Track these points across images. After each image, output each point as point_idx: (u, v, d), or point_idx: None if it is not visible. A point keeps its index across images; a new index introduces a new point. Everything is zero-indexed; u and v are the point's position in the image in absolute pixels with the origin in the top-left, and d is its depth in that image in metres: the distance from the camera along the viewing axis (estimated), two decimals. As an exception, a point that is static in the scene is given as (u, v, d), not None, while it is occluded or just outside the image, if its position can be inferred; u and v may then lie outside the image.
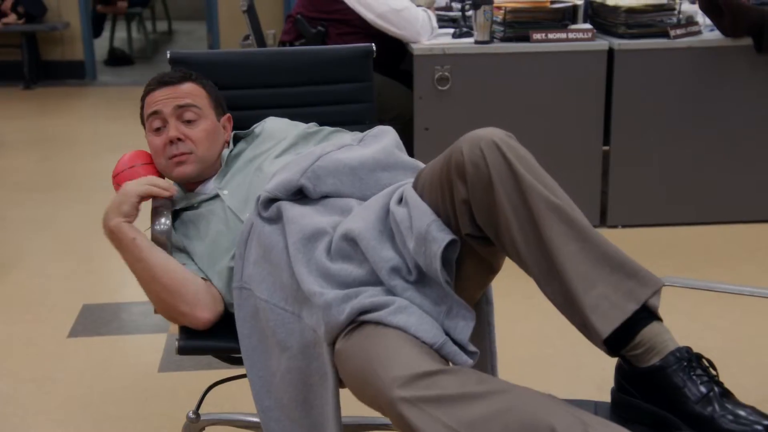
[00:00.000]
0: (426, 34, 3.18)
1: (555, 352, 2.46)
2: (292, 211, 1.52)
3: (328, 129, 1.88)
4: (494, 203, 1.32)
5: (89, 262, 3.18)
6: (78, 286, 2.97)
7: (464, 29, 3.29)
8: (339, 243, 1.45)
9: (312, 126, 1.89)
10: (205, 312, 1.60)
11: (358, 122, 2.00)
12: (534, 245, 1.30)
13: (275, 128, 1.85)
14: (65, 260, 3.21)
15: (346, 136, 1.80)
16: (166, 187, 1.67)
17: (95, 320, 2.71)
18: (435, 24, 3.24)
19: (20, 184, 4.10)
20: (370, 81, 2.03)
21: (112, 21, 7.68)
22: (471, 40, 3.23)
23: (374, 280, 1.41)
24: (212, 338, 1.62)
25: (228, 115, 1.86)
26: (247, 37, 3.63)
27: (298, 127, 1.86)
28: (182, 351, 1.61)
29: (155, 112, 1.75)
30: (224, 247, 1.65)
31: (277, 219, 1.54)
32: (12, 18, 6.13)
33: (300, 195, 1.57)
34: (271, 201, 1.56)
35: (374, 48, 2.03)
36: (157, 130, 1.76)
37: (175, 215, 1.76)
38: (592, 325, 1.26)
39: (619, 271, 1.27)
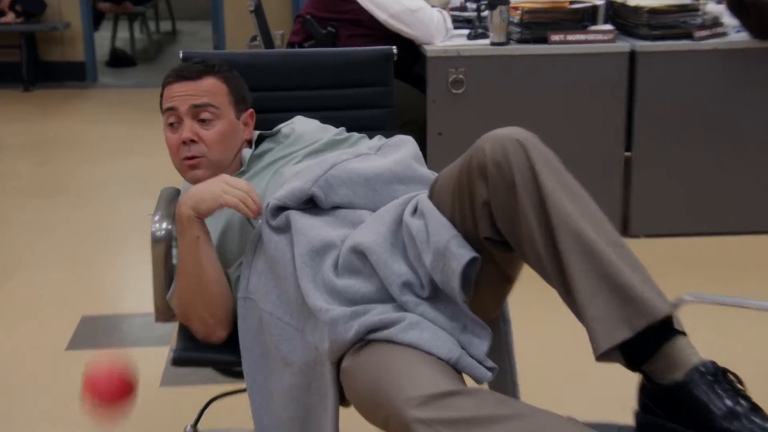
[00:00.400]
0: (440, 35, 3.18)
1: (576, 368, 2.44)
2: (301, 221, 1.52)
3: (356, 136, 1.88)
4: (516, 206, 1.32)
5: (89, 271, 3.20)
6: (77, 297, 2.98)
7: (480, 30, 3.30)
8: (347, 256, 1.45)
9: (341, 132, 1.89)
10: (225, 331, 1.61)
11: (377, 128, 2.00)
12: (551, 253, 1.30)
13: (305, 131, 1.85)
14: (65, 269, 3.22)
15: (365, 144, 1.81)
16: (255, 209, 1.58)
17: (95, 332, 2.72)
18: (450, 25, 3.25)
19: (19, 189, 4.13)
20: (390, 85, 2.04)
21: (114, 20, 7.73)
22: (487, 41, 3.23)
23: (383, 297, 1.40)
24: (209, 350, 1.62)
25: (251, 111, 1.85)
26: (254, 38, 3.64)
27: (328, 132, 1.86)
28: (177, 362, 1.61)
29: (171, 108, 1.74)
30: (233, 253, 1.66)
31: (285, 228, 1.54)
32: (10, 17, 6.17)
33: (311, 204, 1.57)
34: (280, 209, 1.56)
35: (395, 51, 2.03)
36: (172, 125, 1.75)
37: None
38: (591, 341, 1.26)
39: (619, 293, 1.25)
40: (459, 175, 1.40)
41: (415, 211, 1.46)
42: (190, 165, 1.73)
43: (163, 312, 1.72)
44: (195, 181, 1.75)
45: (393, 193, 1.57)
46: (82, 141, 5.06)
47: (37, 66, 6.39)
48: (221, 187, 1.58)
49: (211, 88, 1.76)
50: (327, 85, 2.02)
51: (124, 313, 2.86)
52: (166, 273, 1.69)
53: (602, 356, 1.25)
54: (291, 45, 3.33)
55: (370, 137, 1.88)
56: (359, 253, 1.43)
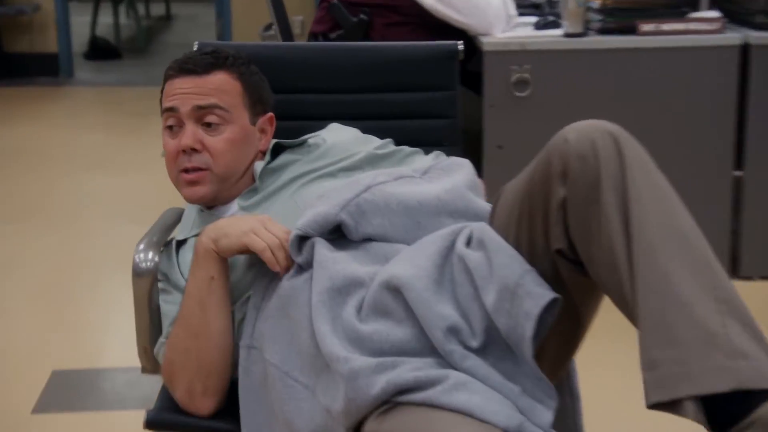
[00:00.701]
0: (500, 23, 3.21)
1: (651, 424, 2.42)
2: (323, 253, 1.54)
3: (406, 150, 1.90)
4: (597, 210, 1.35)
5: (63, 314, 3.23)
6: (47, 346, 3.01)
7: (550, 18, 3.32)
8: (378, 293, 1.46)
9: (386, 144, 1.90)
10: (212, 404, 1.63)
11: (435, 143, 2.01)
12: (629, 275, 1.32)
13: (338, 141, 1.87)
14: (33, 310, 3.27)
15: (413, 164, 1.82)
16: (284, 264, 1.58)
17: (68, 391, 2.75)
18: (513, 11, 3.28)
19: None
20: (454, 89, 2.05)
21: (95, 2, 7.87)
22: (559, 32, 3.25)
23: (418, 348, 1.41)
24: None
25: (270, 115, 1.87)
26: (269, 26, 3.71)
27: (368, 145, 1.88)
28: (151, 425, 1.64)
29: (171, 109, 1.77)
30: (240, 287, 1.68)
31: (308, 265, 1.56)
32: None
33: (337, 234, 1.59)
34: (303, 240, 1.58)
35: (461, 47, 2.05)
36: (171, 129, 1.78)
37: (183, 241, 1.79)
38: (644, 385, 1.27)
39: (712, 341, 1.26)
40: (532, 175, 1.42)
41: (469, 242, 1.47)
42: (188, 180, 1.76)
43: (150, 361, 1.74)
44: (193, 199, 1.79)
45: (439, 228, 1.57)
46: (53, 151, 5.15)
47: (0, 58, 6.52)
48: (252, 225, 1.60)
49: (221, 86, 1.78)
50: (372, 88, 2.04)
51: (103, 367, 2.89)
52: (151, 315, 1.73)
53: (670, 406, 1.26)
54: (314, 35, 3.39)
55: (426, 153, 1.89)
56: (393, 289, 1.44)
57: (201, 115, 1.76)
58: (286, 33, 3.67)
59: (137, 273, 1.72)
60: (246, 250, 1.60)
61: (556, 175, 1.38)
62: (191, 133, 1.74)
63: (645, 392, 1.29)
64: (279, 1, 3.71)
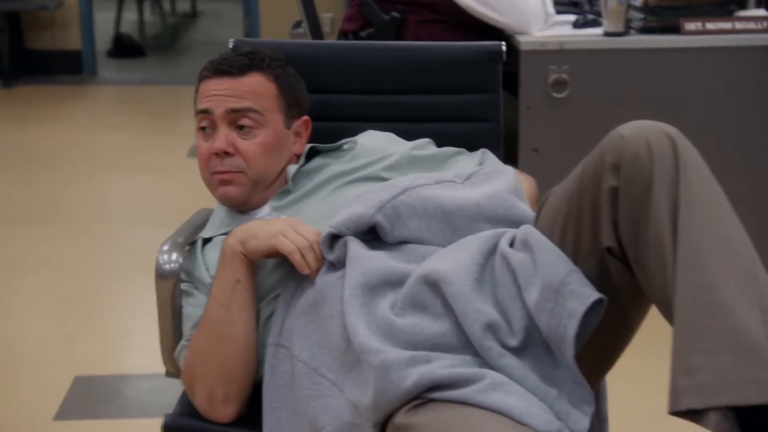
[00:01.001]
0: (538, 22, 3.21)
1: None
2: (357, 250, 1.56)
3: (449, 151, 1.91)
4: (646, 206, 1.36)
5: (84, 319, 3.26)
6: (69, 352, 3.03)
7: (589, 16, 3.32)
8: (415, 287, 1.48)
9: (425, 145, 1.92)
10: (232, 411, 1.64)
11: (475, 148, 2.00)
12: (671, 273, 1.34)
13: (375, 143, 1.89)
14: (53, 316, 3.30)
15: (455, 168, 1.84)
16: (314, 266, 1.60)
17: (90, 398, 2.77)
18: (550, 9, 3.28)
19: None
20: (497, 92, 2.05)
21: (119, -1, 7.95)
22: (599, 30, 3.25)
23: (453, 344, 1.43)
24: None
25: (305, 118, 1.89)
26: (298, 24, 3.74)
27: (404, 145, 1.90)
28: (168, 431, 1.66)
29: (204, 111, 1.80)
30: (268, 284, 1.70)
31: (338, 261, 1.58)
32: None
33: (372, 236, 1.61)
34: (335, 239, 1.60)
35: (504, 48, 2.05)
36: (204, 130, 1.80)
37: (209, 239, 1.81)
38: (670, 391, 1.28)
39: (748, 351, 1.27)
40: (582, 172, 1.44)
41: (512, 243, 1.49)
42: (222, 180, 1.79)
43: (174, 364, 1.76)
44: (225, 200, 1.81)
45: (476, 234, 1.58)
46: (74, 152, 5.19)
47: (21, 55, 6.58)
48: (281, 227, 1.62)
49: (256, 88, 1.80)
50: (411, 89, 2.05)
51: (127, 373, 2.92)
52: (174, 317, 1.74)
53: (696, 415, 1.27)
54: (344, 33, 3.41)
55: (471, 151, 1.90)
56: (432, 283, 1.46)
57: (235, 118, 1.78)
58: (316, 31, 3.69)
59: (161, 274, 1.74)
60: (274, 253, 1.62)
61: (608, 168, 1.40)
62: (224, 136, 1.77)
63: (673, 397, 1.29)
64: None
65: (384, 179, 1.78)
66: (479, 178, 1.73)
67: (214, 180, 1.80)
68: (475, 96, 2.05)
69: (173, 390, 1.83)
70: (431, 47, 2.13)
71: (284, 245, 1.60)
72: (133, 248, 3.78)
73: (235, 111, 1.78)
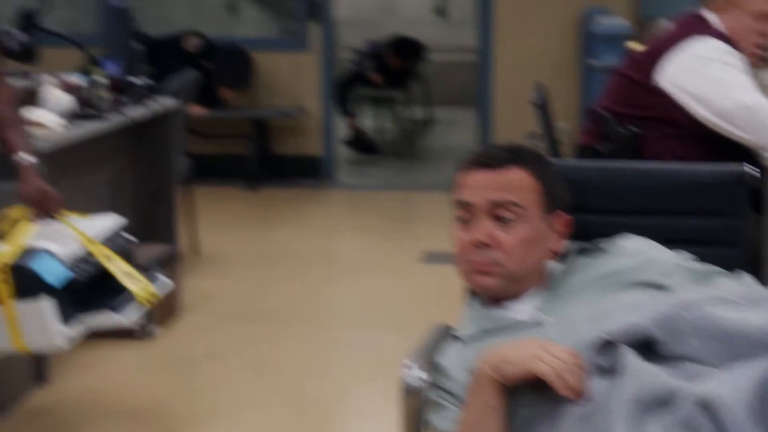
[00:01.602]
0: (785, 140, 3.12)
1: None
2: (634, 359, 1.54)
3: (714, 268, 1.88)
4: None
5: (318, 425, 3.31)
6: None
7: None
8: (691, 409, 1.45)
9: (695, 262, 1.90)
10: None
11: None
12: None
13: (633, 245, 1.88)
14: (285, 417, 3.36)
15: (727, 286, 1.81)
16: (575, 387, 1.56)
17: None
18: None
19: (234, 312, 4.40)
20: (743, 216, 2.02)
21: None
22: None
23: None
24: None
25: (568, 218, 1.91)
26: (534, 135, 3.77)
27: (667, 252, 1.88)
28: None
29: (464, 202, 1.84)
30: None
31: (610, 370, 1.56)
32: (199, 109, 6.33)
33: (644, 348, 1.58)
34: (608, 345, 1.58)
35: (748, 170, 2.02)
36: (463, 221, 1.84)
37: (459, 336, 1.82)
38: None
39: None
40: None
41: None
42: (479, 269, 1.81)
43: None
44: (481, 289, 1.84)
45: (755, 360, 1.53)
46: (314, 253, 5.39)
47: (267, 160, 6.94)
48: (535, 351, 1.59)
49: (517, 182, 1.83)
50: (659, 210, 2.04)
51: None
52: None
53: None
54: (582, 148, 3.40)
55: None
56: (706, 407, 1.43)
57: (495, 209, 1.82)
58: (553, 144, 3.71)
59: (406, 390, 1.76)
60: (530, 377, 1.60)
61: None
62: (484, 228, 1.81)
63: None
64: (545, 110, 3.77)
65: (661, 286, 1.76)
66: (756, 300, 1.68)
67: (471, 269, 1.83)
68: (720, 220, 2.03)
69: None
70: (672, 170, 2.12)
71: (542, 369, 1.57)
72: (370, 353, 3.78)
73: (496, 203, 1.81)
